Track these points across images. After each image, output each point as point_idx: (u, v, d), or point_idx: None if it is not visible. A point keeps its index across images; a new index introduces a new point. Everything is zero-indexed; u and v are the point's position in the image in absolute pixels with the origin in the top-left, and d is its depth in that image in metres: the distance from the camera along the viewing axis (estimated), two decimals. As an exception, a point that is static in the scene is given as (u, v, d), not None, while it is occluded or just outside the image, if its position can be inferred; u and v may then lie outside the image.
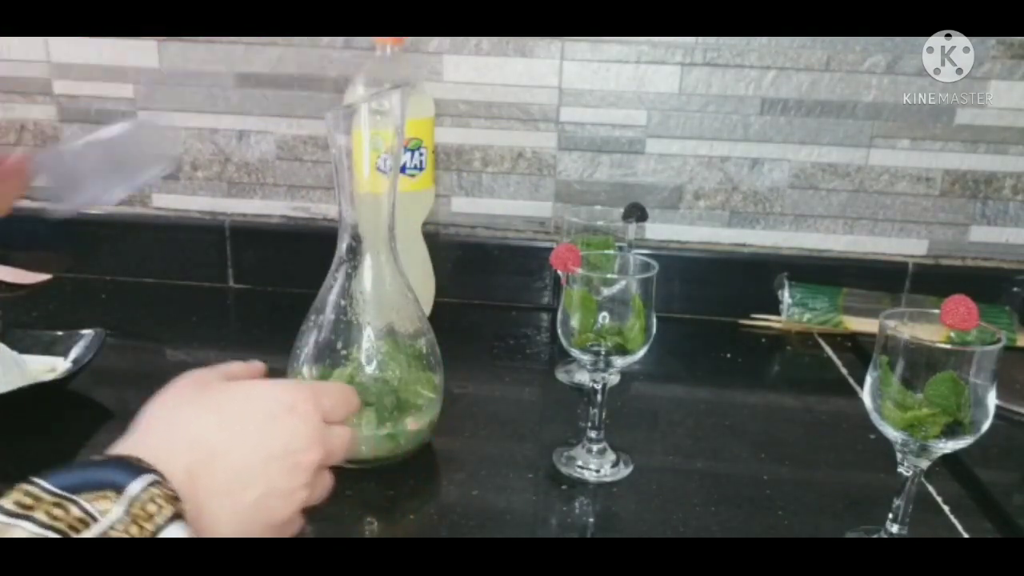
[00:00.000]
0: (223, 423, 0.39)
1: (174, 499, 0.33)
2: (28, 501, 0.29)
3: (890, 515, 0.54)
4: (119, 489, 0.31)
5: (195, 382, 0.42)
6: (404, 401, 0.61)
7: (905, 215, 1.00)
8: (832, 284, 0.99)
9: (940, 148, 0.97)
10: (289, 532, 0.43)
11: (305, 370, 0.62)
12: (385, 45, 0.77)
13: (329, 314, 0.61)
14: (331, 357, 0.61)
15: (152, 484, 0.32)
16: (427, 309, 0.80)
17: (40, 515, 0.29)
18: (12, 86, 1.02)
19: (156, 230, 1.05)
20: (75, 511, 0.30)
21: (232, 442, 0.38)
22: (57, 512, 0.29)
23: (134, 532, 0.30)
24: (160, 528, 0.31)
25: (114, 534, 0.30)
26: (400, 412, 0.61)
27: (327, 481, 0.45)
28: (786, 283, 0.98)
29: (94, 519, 0.30)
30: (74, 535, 0.29)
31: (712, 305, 1.00)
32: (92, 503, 0.30)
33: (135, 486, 0.31)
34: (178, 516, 0.32)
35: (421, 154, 0.81)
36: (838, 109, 0.96)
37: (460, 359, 0.76)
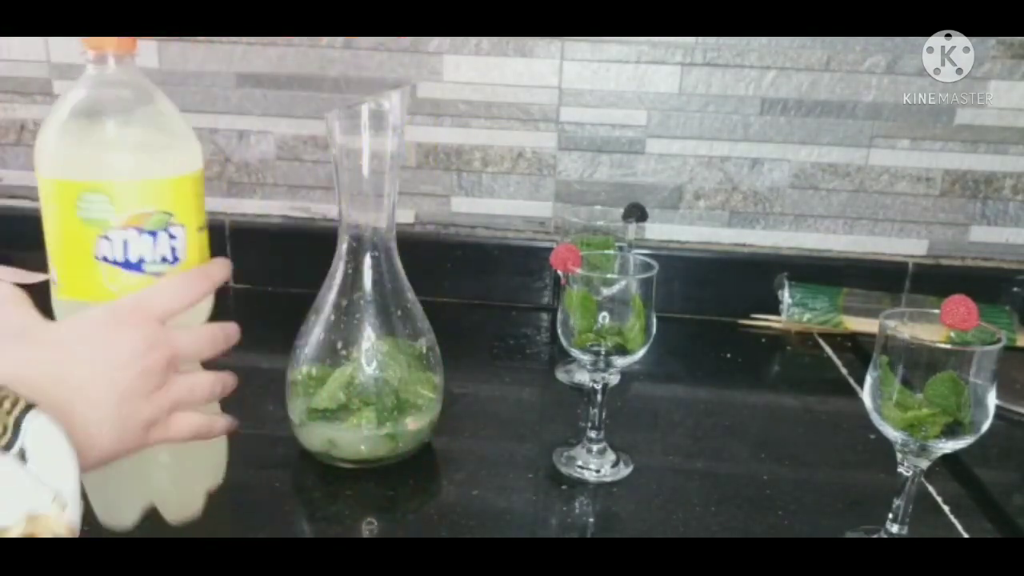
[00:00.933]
0: (62, 353, 0.41)
1: (23, 396, 0.34)
2: None
3: (890, 515, 0.54)
4: None
5: (16, 332, 0.42)
6: (404, 401, 0.61)
7: (905, 215, 1.00)
8: (832, 284, 0.99)
9: (940, 148, 0.97)
10: (179, 434, 0.46)
11: (305, 370, 0.62)
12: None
13: (329, 314, 0.61)
14: (331, 357, 0.61)
15: None
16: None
17: None
18: (12, 86, 1.02)
19: (156, 230, 1.05)
20: None
21: (72, 367, 0.41)
22: None
23: None
24: (20, 417, 0.33)
25: None
26: (400, 412, 0.61)
27: (201, 379, 0.47)
28: (786, 283, 0.98)
29: None
30: None
31: (712, 305, 1.00)
32: None
33: None
34: (32, 406, 0.34)
35: (172, 236, 0.47)
36: (838, 109, 0.96)
37: (460, 359, 0.76)
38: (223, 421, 0.51)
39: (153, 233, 0.46)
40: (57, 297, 0.48)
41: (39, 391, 0.37)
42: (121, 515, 0.51)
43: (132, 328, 0.43)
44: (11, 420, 0.33)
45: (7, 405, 0.34)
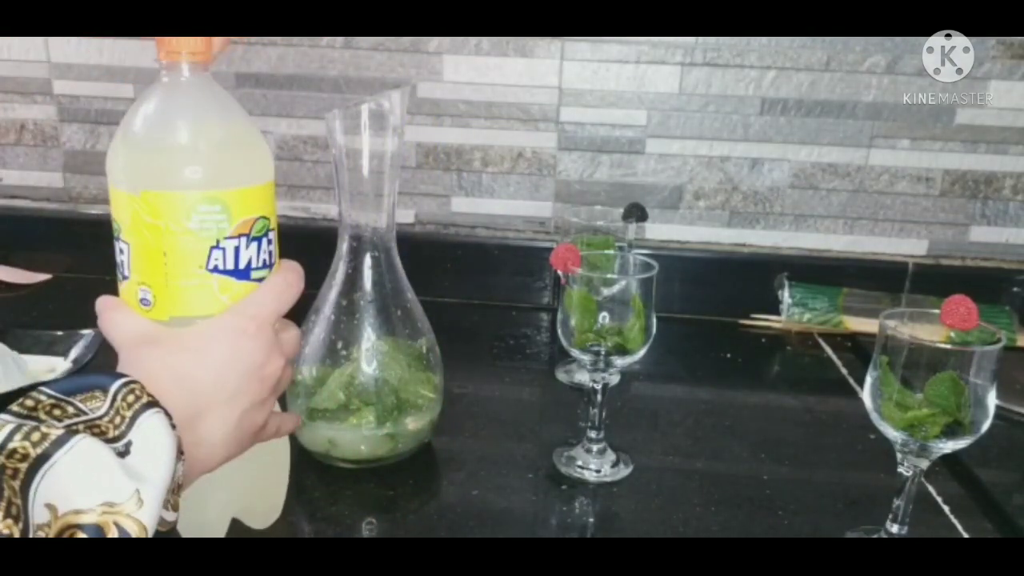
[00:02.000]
0: (193, 360, 0.42)
1: (149, 394, 0.36)
2: (31, 403, 0.34)
3: (890, 515, 0.54)
4: (105, 389, 0.35)
5: (142, 344, 0.43)
6: (404, 401, 0.61)
7: (905, 215, 1.00)
8: (832, 284, 0.99)
9: (940, 148, 0.97)
10: (266, 436, 0.48)
11: (305, 370, 0.62)
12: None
13: (329, 314, 0.61)
14: (331, 357, 0.61)
15: (130, 382, 0.36)
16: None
17: (41, 415, 0.34)
18: (12, 86, 1.02)
19: (156, 230, 1.05)
20: (71, 410, 0.34)
21: (207, 371, 0.42)
22: (56, 412, 0.34)
23: (116, 421, 0.35)
24: (138, 413, 0.35)
25: (102, 424, 0.34)
26: (400, 412, 0.61)
27: (286, 377, 0.49)
28: (786, 283, 0.98)
29: (86, 415, 0.34)
30: (69, 424, 0.34)
31: (712, 305, 1.00)
32: (84, 403, 0.35)
33: (116, 384, 0.36)
34: (153, 404, 0.36)
35: (269, 241, 0.48)
36: (838, 109, 0.96)
37: (460, 359, 0.76)
38: (292, 417, 0.53)
39: (258, 239, 0.47)
40: (151, 319, 0.45)
41: (168, 394, 0.38)
42: (208, 530, 0.50)
43: (253, 337, 0.44)
44: (130, 413, 0.35)
45: (131, 398, 0.35)
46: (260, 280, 0.47)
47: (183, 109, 0.46)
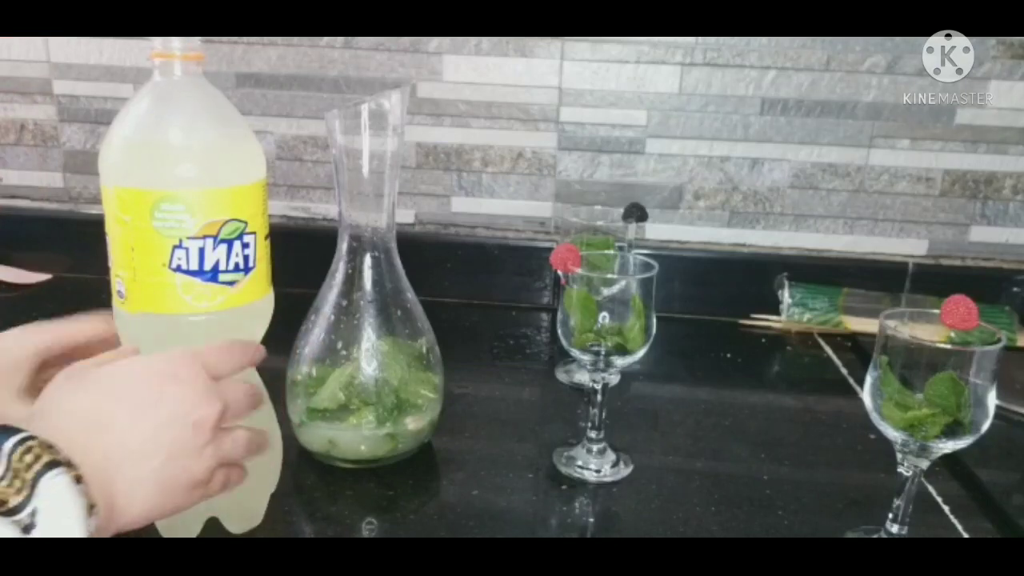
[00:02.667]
0: (109, 401, 0.40)
1: (49, 447, 0.34)
2: None
3: (890, 515, 0.54)
4: None
5: (72, 374, 0.42)
6: (404, 401, 0.61)
7: (905, 215, 1.00)
8: (832, 284, 0.99)
9: (940, 148, 0.97)
10: (215, 490, 0.44)
11: (305, 370, 0.62)
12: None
13: (329, 314, 0.61)
14: (331, 357, 0.61)
15: (26, 439, 0.33)
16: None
17: None
18: (12, 86, 1.02)
19: (156, 230, 1.05)
20: None
21: (120, 417, 0.39)
22: None
23: (16, 485, 0.32)
24: (39, 475, 0.32)
25: (1, 488, 0.31)
26: (400, 412, 0.61)
27: (242, 436, 0.45)
28: (786, 283, 0.98)
29: None
30: None
31: (712, 305, 1.00)
32: None
33: (9, 444, 0.33)
34: (56, 463, 0.33)
35: (245, 244, 0.47)
36: (838, 109, 0.96)
37: (460, 359, 0.76)
38: (238, 472, 0.48)
39: (228, 242, 0.46)
40: (125, 311, 0.46)
41: (79, 438, 0.36)
42: (183, 529, 0.50)
43: (181, 381, 0.42)
44: (30, 476, 0.32)
45: (29, 459, 0.33)
46: (230, 284, 0.46)
47: (163, 109, 0.46)
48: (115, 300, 0.48)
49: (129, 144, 0.45)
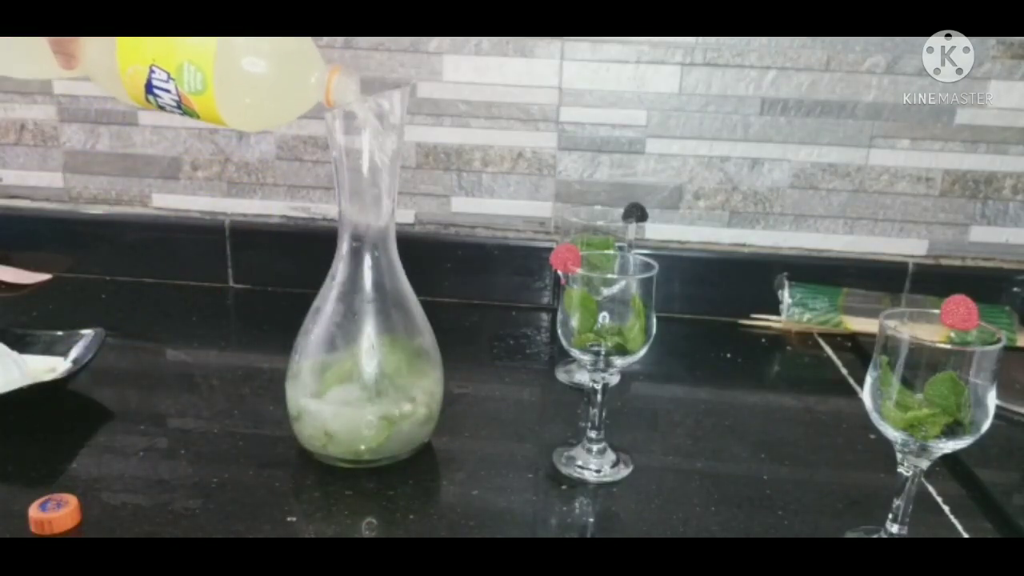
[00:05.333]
0: None
1: None
2: None
3: (890, 515, 0.54)
4: None
5: None
6: (403, 398, 0.61)
7: (905, 215, 1.00)
8: (832, 284, 0.99)
9: (940, 148, 0.97)
10: None
11: (305, 369, 0.62)
12: None
13: (329, 313, 0.61)
14: (331, 357, 0.61)
15: None
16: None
17: None
18: (12, 86, 1.02)
19: (156, 230, 1.05)
20: None
21: None
22: None
23: None
24: None
25: None
26: (400, 411, 0.61)
27: None
28: (786, 283, 0.98)
29: None
30: None
31: (712, 305, 1.00)
32: None
33: None
34: None
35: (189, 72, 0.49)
36: (838, 109, 0.96)
37: (460, 359, 0.76)
38: None
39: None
40: None
41: None
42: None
43: None
44: None
45: None
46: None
47: None
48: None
49: None
